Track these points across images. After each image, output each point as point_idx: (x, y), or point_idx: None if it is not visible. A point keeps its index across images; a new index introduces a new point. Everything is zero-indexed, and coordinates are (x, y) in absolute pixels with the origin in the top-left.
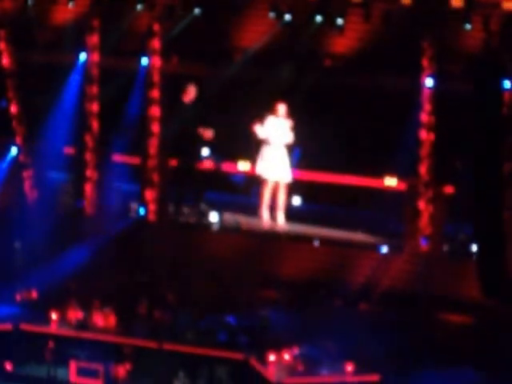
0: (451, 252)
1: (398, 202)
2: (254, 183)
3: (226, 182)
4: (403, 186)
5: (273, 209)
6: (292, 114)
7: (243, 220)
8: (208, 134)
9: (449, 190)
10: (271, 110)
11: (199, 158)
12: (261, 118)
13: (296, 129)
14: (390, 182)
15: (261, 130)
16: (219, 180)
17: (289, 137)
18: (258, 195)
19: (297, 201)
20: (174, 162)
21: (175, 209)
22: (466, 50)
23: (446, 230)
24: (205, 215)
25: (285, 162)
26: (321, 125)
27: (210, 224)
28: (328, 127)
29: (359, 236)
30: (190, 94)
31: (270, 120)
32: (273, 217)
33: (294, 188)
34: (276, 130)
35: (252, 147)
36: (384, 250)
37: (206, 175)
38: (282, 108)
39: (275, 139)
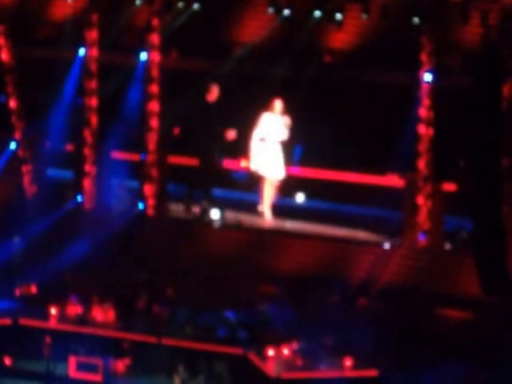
0: (453, 250)
1: (399, 199)
2: (256, 180)
3: (228, 179)
4: (404, 183)
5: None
6: (290, 109)
7: (245, 218)
8: (231, 134)
9: (450, 187)
10: (267, 107)
11: (218, 157)
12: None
13: (294, 125)
14: (392, 179)
15: (257, 131)
16: (221, 177)
17: (284, 134)
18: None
19: (300, 198)
20: (183, 160)
21: (186, 207)
22: (465, 44)
23: (447, 228)
24: (206, 212)
25: (279, 159)
26: (319, 120)
27: (211, 221)
28: (327, 123)
29: (361, 234)
30: (214, 93)
31: (266, 116)
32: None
33: (296, 186)
34: (271, 127)
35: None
36: (386, 246)
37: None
38: (278, 104)
39: (270, 136)
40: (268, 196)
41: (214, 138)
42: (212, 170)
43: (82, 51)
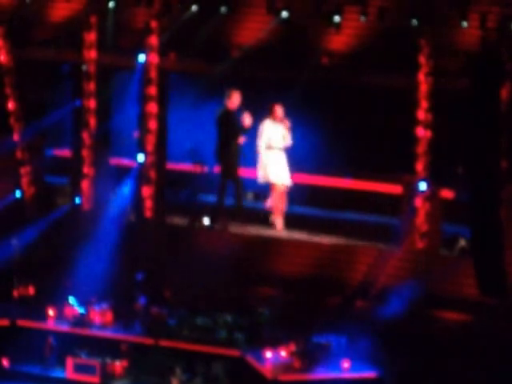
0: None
1: (397, 205)
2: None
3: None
4: (402, 185)
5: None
6: (288, 112)
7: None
8: (249, 120)
9: (448, 194)
10: (269, 113)
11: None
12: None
13: (292, 128)
14: (390, 185)
15: (261, 140)
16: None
17: (288, 139)
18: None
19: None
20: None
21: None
22: (464, 47)
23: (445, 235)
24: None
25: (284, 166)
26: (317, 123)
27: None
28: (324, 125)
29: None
30: (235, 99)
31: (268, 124)
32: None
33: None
34: (275, 134)
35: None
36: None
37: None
38: (279, 110)
39: (274, 143)
40: (278, 204)
41: (235, 148)
42: (232, 178)
43: (81, 53)
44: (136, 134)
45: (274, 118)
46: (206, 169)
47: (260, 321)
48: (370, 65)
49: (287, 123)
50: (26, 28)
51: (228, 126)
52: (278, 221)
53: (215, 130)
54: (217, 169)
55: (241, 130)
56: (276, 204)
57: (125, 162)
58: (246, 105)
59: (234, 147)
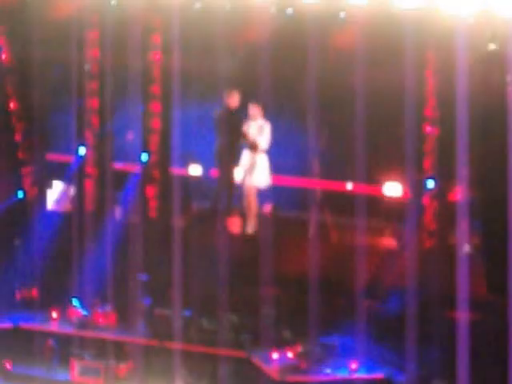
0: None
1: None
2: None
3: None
4: (406, 195)
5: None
6: (289, 112)
7: None
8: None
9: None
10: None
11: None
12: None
13: (294, 127)
14: (392, 189)
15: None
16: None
17: (266, 140)
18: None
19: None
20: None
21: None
22: (469, 45)
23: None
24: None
25: (263, 167)
26: (319, 124)
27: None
28: (326, 126)
29: None
30: (235, 99)
31: (248, 125)
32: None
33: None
34: (255, 134)
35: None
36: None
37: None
38: (253, 109)
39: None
40: (253, 206)
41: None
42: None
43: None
44: (130, 136)
45: (252, 118)
46: (200, 172)
47: (266, 322)
48: (375, 63)
49: (266, 124)
50: (26, 28)
51: (227, 126)
52: (250, 223)
53: (214, 130)
54: (213, 171)
55: (242, 138)
56: (249, 205)
57: (119, 165)
58: (246, 105)
59: (232, 148)
